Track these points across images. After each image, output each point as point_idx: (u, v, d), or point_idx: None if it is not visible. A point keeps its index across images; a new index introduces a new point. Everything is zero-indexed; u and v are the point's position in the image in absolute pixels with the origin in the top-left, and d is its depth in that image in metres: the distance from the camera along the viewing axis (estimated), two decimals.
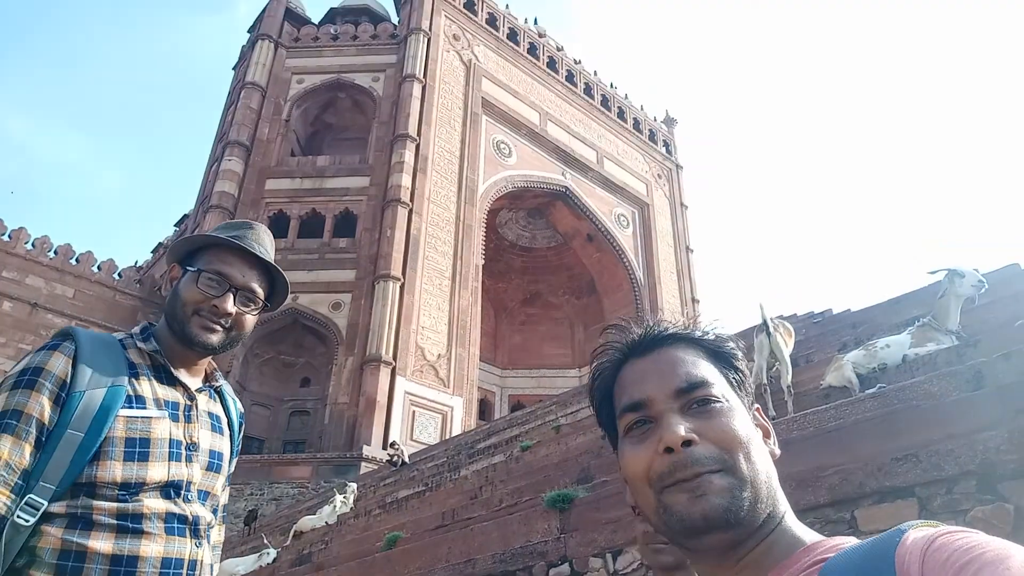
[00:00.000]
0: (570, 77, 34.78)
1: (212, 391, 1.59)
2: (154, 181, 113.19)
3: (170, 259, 1.60)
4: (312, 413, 22.39)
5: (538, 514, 4.88)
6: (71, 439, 1.30)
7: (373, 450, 19.42)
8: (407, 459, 14.98)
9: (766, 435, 0.81)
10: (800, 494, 3.00)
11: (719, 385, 0.78)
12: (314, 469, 19.72)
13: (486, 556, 4.74)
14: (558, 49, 35.01)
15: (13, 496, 1.24)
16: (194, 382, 1.54)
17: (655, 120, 39.57)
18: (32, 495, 1.26)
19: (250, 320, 1.56)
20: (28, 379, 1.32)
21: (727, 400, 0.77)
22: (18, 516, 1.24)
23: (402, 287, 22.81)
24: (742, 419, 0.76)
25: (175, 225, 34.42)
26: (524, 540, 4.72)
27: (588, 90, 35.52)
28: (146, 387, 1.43)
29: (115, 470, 1.32)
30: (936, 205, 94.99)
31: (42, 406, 1.30)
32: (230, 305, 1.50)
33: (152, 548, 1.33)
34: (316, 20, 31.41)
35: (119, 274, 23.48)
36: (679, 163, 39.45)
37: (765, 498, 0.72)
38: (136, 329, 1.55)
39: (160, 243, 35.25)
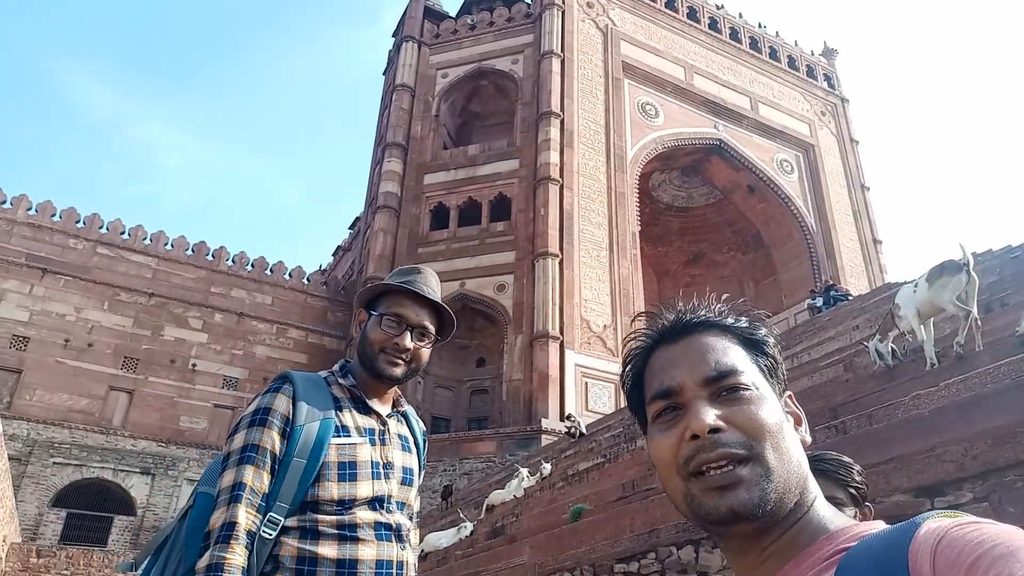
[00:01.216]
0: (713, 24, 33.16)
1: (399, 415, 1.83)
2: (327, 189, 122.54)
3: (357, 305, 1.86)
4: (490, 391, 23.42)
5: None
6: (297, 465, 1.57)
7: (551, 423, 19.99)
8: (584, 430, 15.27)
9: (798, 422, 0.80)
10: (997, 452, 2.80)
11: (749, 373, 0.77)
12: (498, 444, 20.68)
13: (669, 526, 4.81)
14: None
15: (258, 515, 1.53)
16: (384, 409, 1.78)
17: (812, 54, 36.74)
18: (272, 513, 1.54)
19: (425, 352, 1.79)
20: (260, 418, 1.60)
21: (757, 388, 0.76)
22: (263, 531, 1.52)
23: (561, 263, 23.11)
24: (772, 407, 0.75)
25: (349, 228, 37.09)
26: None
27: (734, 34, 33.67)
28: (349, 417, 1.69)
29: (332, 489, 1.59)
30: None
31: (273, 440, 1.58)
32: (408, 342, 1.73)
33: (367, 552, 1.58)
34: (453, 13, 32.26)
35: (307, 279, 25.84)
36: (844, 96, 36.41)
37: (794, 487, 0.72)
38: (336, 367, 1.82)
39: (339, 246, 38.17)
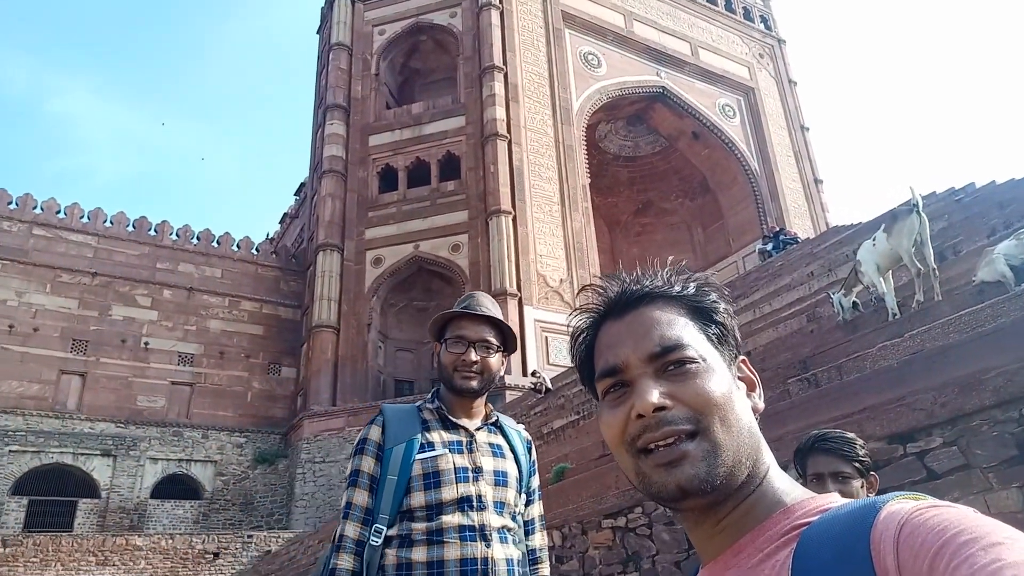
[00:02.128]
0: None
1: (491, 427, 2.07)
2: (268, 155, 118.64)
3: (431, 337, 2.12)
4: None
5: None
6: (390, 482, 1.89)
7: (514, 379, 20.31)
8: (550, 385, 15.59)
9: (751, 388, 0.79)
10: (964, 399, 3.06)
11: (696, 344, 0.76)
12: None
13: None
14: None
15: (364, 527, 1.87)
16: (473, 423, 2.03)
17: None
18: (377, 524, 1.86)
19: (493, 362, 2.04)
20: (359, 447, 1.97)
21: (704, 360, 0.75)
22: (371, 540, 1.84)
23: (514, 219, 23.16)
24: (720, 378, 0.74)
25: (295, 194, 36.21)
26: None
27: None
28: (435, 435, 1.96)
29: (420, 498, 1.87)
30: None
31: (369, 464, 1.93)
32: (472, 356, 1.99)
33: (452, 552, 1.83)
34: None
35: (256, 249, 25.32)
36: (781, 37, 36.84)
37: (745, 459, 0.71)
38: (428, 395, 2.10)
39: (286, 213, 37.29)
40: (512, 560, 1.91)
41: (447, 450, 1.93)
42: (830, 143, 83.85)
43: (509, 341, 2.09)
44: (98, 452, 19.75)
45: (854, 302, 6.92)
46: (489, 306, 2.09)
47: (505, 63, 25.74)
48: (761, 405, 0.79)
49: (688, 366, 0.74)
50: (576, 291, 23.57)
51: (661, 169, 33.60)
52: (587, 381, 0.84)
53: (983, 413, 3.01)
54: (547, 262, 23.61)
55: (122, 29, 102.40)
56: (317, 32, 31.37)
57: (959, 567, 0.52)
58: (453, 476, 1.88)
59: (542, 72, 26.93)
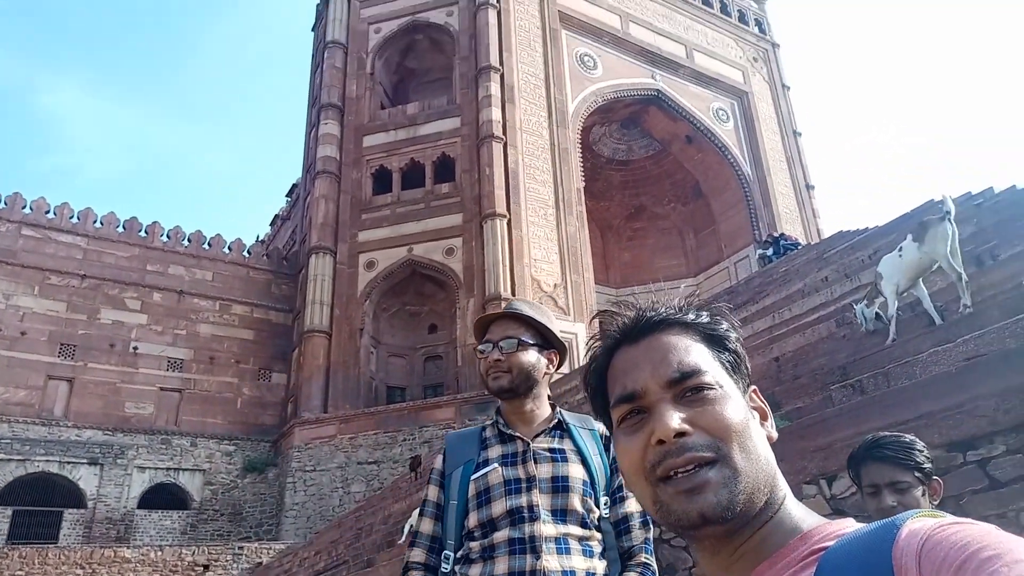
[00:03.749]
0: None
1: (554, 431, 1.98)
2: (260, 155, 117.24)
3: (476, 355, 2.10)
4: (444, 357, 23.40)
5: None
6: (452, 507, 1.92)
7: None
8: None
9: (763, 417, 0.79)
10: None
11: (713, 371, 0.76)
12: (456, 409, 20.78)
13: None
14: None
15: (430, 554, 1.91)
16: (530, 431, 1.96)
17: None
18: (446, 550, 1.90)
19: (522, 358, 1.95)
20: (427, 477, 2.04)
21: (721, 387, 0.75)
22: (442, 567, 1.88)
23: (509, 223, 22.97)
24: (737, 405, 0.75)
25: (287, 196, 35.77)
26: None
27: None
28: (493, 451, 1.94)
29: (474, 517, 1.87)
30: None
31: (434, 492, 1.98)
32: (495, 356, 1.96)
33: (501, 567, 1.80)
34: None
35: (248, 251, 24.97)
36: (775, 41, 36.88)
37: (763, 486, 0.71)
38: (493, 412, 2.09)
39: (277, 215, 36.82)
40: (575, 572, 1.80)
41: (499, 464, 1.90)
42: (826, 147, 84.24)
43: (551, 339, 2.03)
44: (85, 460, 19.37)
45: (876, 313, 6.89)
46: (524, 307, 2.04)
47: (501, 63, 25.51)
48: (774, 434, 0.79)
49: (707, 392, 0.74)
50: (571, 296, 23.48)
51: (654, 173, 33.53)
52: (600, 411, 0.84)
53: None
54: (541, 267, 23.47)
55: (114, 25, 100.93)
56: (312, 30, 30.98)
57: None
58: (503, 490, 1.86)
59: (538, 73, 26.74)
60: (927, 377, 4.52)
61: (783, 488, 0.74)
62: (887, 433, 1.97)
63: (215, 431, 21.71)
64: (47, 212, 22.02)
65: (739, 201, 31.19)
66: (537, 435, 1.93)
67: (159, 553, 16.24)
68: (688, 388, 0.74)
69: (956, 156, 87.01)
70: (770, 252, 22.09)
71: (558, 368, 2.11)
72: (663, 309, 0.82)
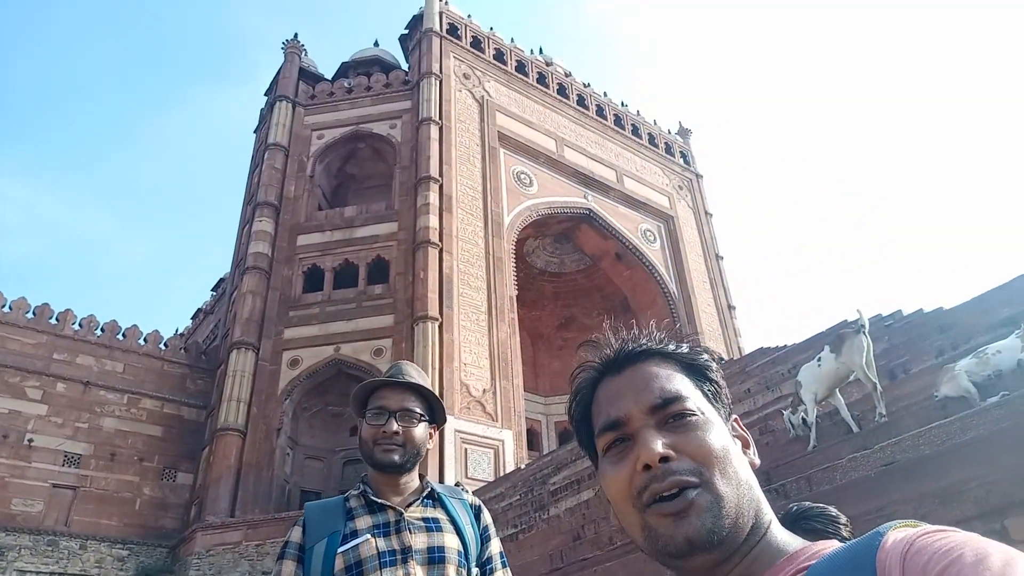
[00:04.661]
0: (581, 101, 35.11)
1: (426, 501, 1.91)
2: (187, 250, 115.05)
3: (354, 413, 1.99)
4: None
5: None
6: None
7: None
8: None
9: (745, 445, 0.81)
10: (945, 510, 2.99)
11: (694, 398, 0.78)
12: None
13: None
14: (566, 75, 35.40)
15: None
16: (402, 500, 1.88)
17: (669, 132, 39.71)
18: None
19: (417, 433, 1.90)
20: (281, 552, 1.84)
21: (703, 413, 0.77)
22: None
23: (440, 326, 22.92)
24: (719, 432, 0.76)
25: (212, 290, 35.01)
26: None
27: (600, 111, 35.79)
28: (360, 521, 1.81)
29: None
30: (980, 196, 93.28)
31: (290, 569, 1.79)
32: (393, 426, 1.86)
33: None
34: (329, 76, 32.10)
35: (165, 344, 23.92)
36: (698, 172, 39.43)
37: (747, 510, 0.72)
38: (358, 482, 1.99)
39: (199, 308, 35.81)
40: None
41: (370, 535, 1.78)
42: (745, 270, 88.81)
43: (436, 411, 1.98)
44: None
45: (802, 418, 7.07)
46: (414, 375, 1.97)
47: (441, 175, 26.33)
48: (757, 461, 0.80)
49: (689, 418, 0.76)
50: (500, 403, 23.20)
51: (585, 286, 34.43)
52: (585, 442, 0.85)
53: (965, 524, 2.93)
54: (471, 371, 23.26)
55: (54, 111, 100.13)
56: (254, 131, 31.50)
57: None
58: (376, 562, 1.74)
59: (476, 186, 27.64)
60: (847, 481, 4.62)
61: (768, 513, 0.74)
62: (813, 504, 2.00)
63: (108, 534, 19.81)
64: None
65: (665, 317, 31.86)
66: (409, 504, 1.86)
67: None
68: (671, 414, 0.76)
69: (866, 280, 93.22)
70: None
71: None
72: (645, 340, 0.85)
